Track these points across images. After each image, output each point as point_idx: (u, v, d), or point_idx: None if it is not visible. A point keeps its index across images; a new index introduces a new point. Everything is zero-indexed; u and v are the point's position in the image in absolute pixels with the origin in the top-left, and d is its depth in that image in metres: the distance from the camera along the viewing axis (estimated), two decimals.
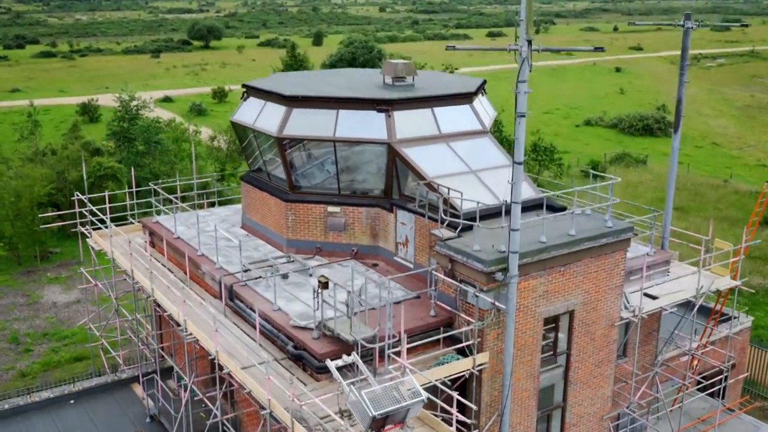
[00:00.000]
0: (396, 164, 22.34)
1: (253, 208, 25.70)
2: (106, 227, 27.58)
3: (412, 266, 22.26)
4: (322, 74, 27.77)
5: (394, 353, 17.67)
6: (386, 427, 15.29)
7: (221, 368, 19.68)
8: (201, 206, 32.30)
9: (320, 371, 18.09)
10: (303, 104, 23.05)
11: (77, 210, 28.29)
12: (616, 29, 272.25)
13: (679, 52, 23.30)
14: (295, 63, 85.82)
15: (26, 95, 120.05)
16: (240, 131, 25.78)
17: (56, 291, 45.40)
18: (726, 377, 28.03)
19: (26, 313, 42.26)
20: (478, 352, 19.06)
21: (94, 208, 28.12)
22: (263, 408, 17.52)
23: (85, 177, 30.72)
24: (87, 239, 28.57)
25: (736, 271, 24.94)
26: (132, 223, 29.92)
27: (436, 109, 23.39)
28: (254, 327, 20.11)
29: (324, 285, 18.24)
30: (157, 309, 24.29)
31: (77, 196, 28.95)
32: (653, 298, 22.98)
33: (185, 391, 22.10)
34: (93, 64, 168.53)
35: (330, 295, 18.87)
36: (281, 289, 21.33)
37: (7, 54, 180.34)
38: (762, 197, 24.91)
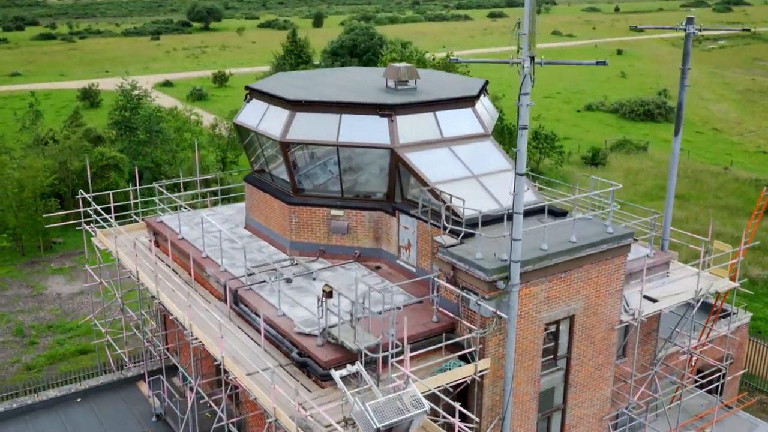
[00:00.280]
0: (399, 169, 22.53)
1: (257, 209, 25.92)
2: (110, 226, 27.80)
3: (414, 270, 22.52)
4: (324, 74, 27.85)
5: (398, 362, 17.95)
6: None
7: (227, 373, 19.99)
8: (204, 202, 32.41)
9: (325, 378, 18.38)
10: (306, 108, 23.19)
11: (81, 209, 28.46)
12: (617, 9, 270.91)
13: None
14: (296, 48, 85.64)
15: (26, 79, 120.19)
16: (243, 133, 25.93)
17: (60, 282, 45.73)
18: (724, 374, 28.36)
19: (31, 305, 42.60)
20: (479, 359, 19.35)
21: (98, 207, 28.34)
22: (269, 416, 17.83)
23: (89, 176, 30.68)
24: (92, 238, 28.82)
25: (735, 272, 25.18)
26: (136, 221, 30.15)
27: (439, 113, 23.54)
28: (259, 331, 20.42)
29: (328, 294, 18.49)
30: (162, 309, 24.56)
31: (81, 194, 29.14)
32: (653, 300, 23.25)
33: (191, 391, 22.43)
34: (93, 46, 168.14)
35: (334, 304, 19.11)
36: (285, 294, 21.59)
37: (7, 36, 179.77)
38: (761, 201, 25.07)
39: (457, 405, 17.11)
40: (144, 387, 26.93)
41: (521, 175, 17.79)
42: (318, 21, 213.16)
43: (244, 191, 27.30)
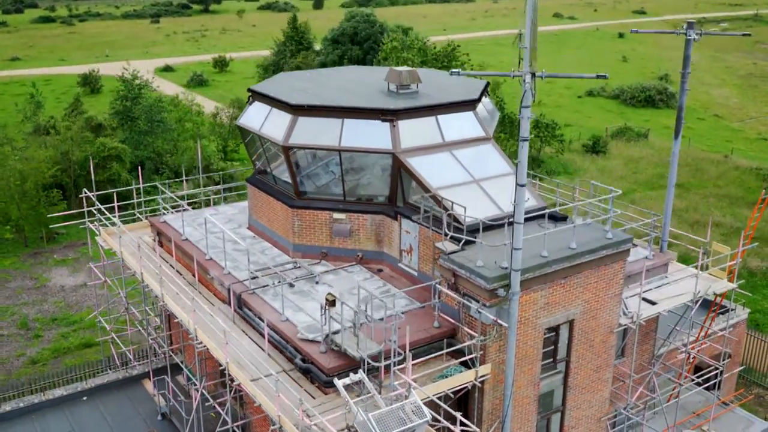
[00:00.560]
0: (400, 173, 22.72)
1: (260, 210, 26.14)
2: (113, 225, 28.02)
3: (416, 274, 22.78)
4: (325, 75, 27.93)
5: (399, 369, 18.25)
6: None
7: (231, 379, 20.31)
8: (207, 199, 32.58)
9: (328, 385, 18.68)
10: (309, 113, 23.35)
11: (85, 209, 28.68)
12: None
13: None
14: (297, 35, 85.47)
15: (26, 64, 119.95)
16: (246, 135, 26.09)
17: (63, 274, 46.03)
18: (721, 372, 28.67)
19: (34, 297, 42.93)
20: (480, 364, 19.65)
21: (102, 207, 28.55)
22: (273, 423, 18.16)
23: (93, 176, 30.87)
24: (96, 237, 29.05)
25: (733, 273, 25.43)
26: (139, 218, 30.34)
27: (440, 117, 23.70)
28: (263, 335, 20.73)
29: (331, 303, 18.76)
30: (167, 309, 24.82)
31: (85, 193, 29.35)
32: (652, 303, 23.52)
33: (196, 391, 22.76)
34: (92, 29, 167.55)
35: (337, 312, 19.38)
36: (288, 298, 21.87)
37: (6, 19, 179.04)
38: (759, 204, 25.27)
39: (459, 415, 17.41)
40: (149, 385, 27.30)
41: (522, 185, 17.99)
42: (318, 3, 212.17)
43: (246, 181, 27.44)
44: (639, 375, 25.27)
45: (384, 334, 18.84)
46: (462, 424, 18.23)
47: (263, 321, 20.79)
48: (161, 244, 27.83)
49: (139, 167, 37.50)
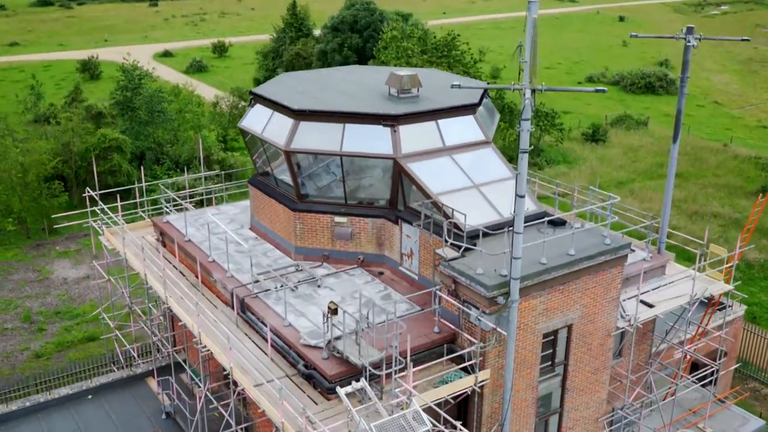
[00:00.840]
0: (401, 178, 22.95)
1: (262, 212, 26.39)
2: (115, 223, 28.26)
3: (416, 278, 23.08)
4: (327, 76, 28.04)
5: (401, 377, 18.58)
6: None
7: (235, 383, 20.66)
8: (209, 198, 32.79)
9: (331, 391, 19.02)
10: (310, 118, 23.53)
11: (88, 209, 28.91)
12: None
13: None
14: (296, 21, 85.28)
15: (25, 49, 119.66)
16: (247, 136, 26.27)
17: (66, 266, 46.33)
18: (717, 369, 29.03)
19: (37, 290, 43.25)
20: (480, 370, 19.99)
21: (105, 207, 28.80)
22: (277, 429, 18.52)
23: (95, 175, 31.09)
24: (99, 237, 29.32)
25: (730, 275, 25.71)
26: (142, 217, 30.58)
27: (441, 122, 23.90)
28: (266, 340, 21.06)
29: (333, 312, 19.06)
30: (170, 310, 25.12)
31: (88, 192, 29.57)
32: (649, 306, 23.82)
33: (199, 391, 23.12)
34: (91, 13, 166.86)
35: (339, 321, 19.68)
36: (291, 302, 22.17)
37: (5, 2, 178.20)
38: (757, 207, 25.50)
39: (458, 424, 17.76)
40: (153, 383, 27.66)
41: (521, 196, 18.22)
42: None
43: (247, 182, 27.65)
44: (636, 375, 25.61)
45: (385, 339, 19.13)
46: (461, 418, 18.59)
47: (266, 326, 21.11)
48: (164, 244, 28.10)
49: (140, 159, 37.62)
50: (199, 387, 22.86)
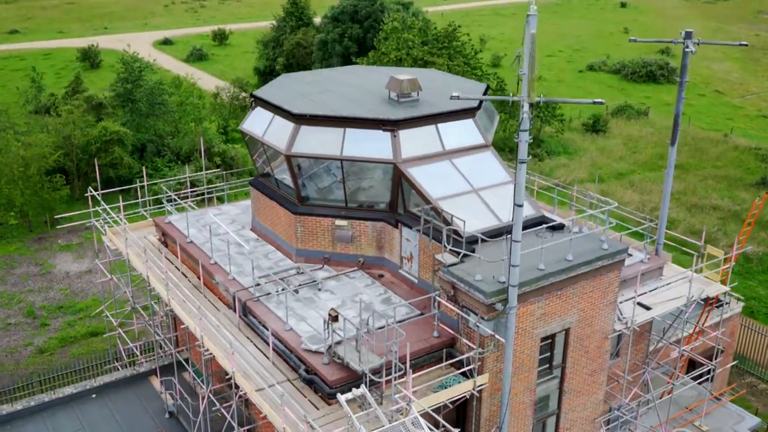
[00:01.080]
0: (401, 182, 23.16)
1: (263, 214, 26.61)
2: (118, 224, 28.49)
3: (416, 281, 23.34)
4: (327, 78, 28.14)
5: (400, 383, 18.87)
6: None
7: (237, 386, 20.97)
8: (210, 194, 33.00)
9: (332, 396, 19.31)
10: (311, 122, 23.70)
11: (91, 210, 29.13)
12: None
13: None
14: (297, 11, 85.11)
15: (25, 37, 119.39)
16: (249, 140, 26.45)
17: (68, 260, 46.61)
18: (714, 368, 29.34)
19: (40, 284, 43.57)
20: (478, 374, 20.28)
21: (107, 207, 29.02)
22: None
23: (98, 175, 31.26)
24: (102, 236, 29.56)
25: (727, 276, 25.95)
26: (145, 216, 30.79)
27: (440, 126, 24.06)
28: (267, 343, 21.35)
29: (334, 319, 19.33)
30: (173, 312, 25.39)
31: (90, 192, 29.77)
32: (646, 308, 24.07)
33: (202, 390, 23.45)
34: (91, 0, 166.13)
35: (340, 328, 19.96)
36: (292, 306, 22.44)
37: None
38: (753, 209, 25.69)
39: (457, 431, 18.07)
40: (156, 382, 27.99)
41: (519, 206, 18.43)
42: None
43: (249, 184, 27.84)
44: (633, 374, 25.92)
45: (385, 345, 19.39)
46: (459, 421, 18.91)
47: (267, 330, 21.39)
48: (166, 245, 28.35)
49: (141, 151, 37.52)
50: (202, 387, 23.18)
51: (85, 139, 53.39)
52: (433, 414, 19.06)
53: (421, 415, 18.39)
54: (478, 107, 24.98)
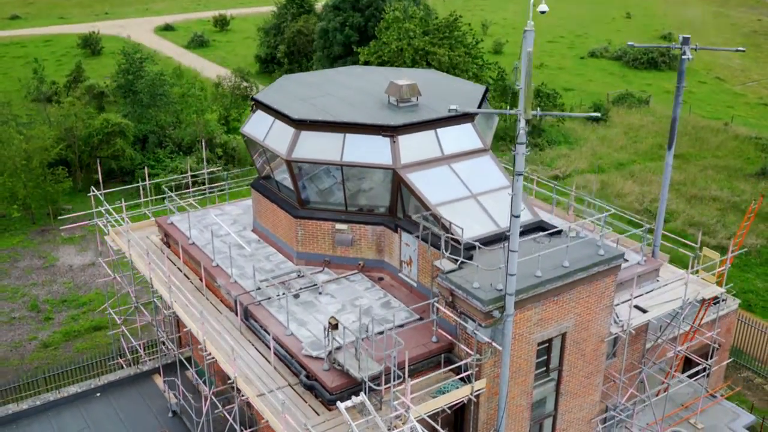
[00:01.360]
0: (400, 188, 23.42)
1: (264, 216, 26.89)
2: (121, 224, 28.79)
3: (415, 285, 23.67)
4: (328, 80, 28.25)
5: (399, 391, 19.24)
6: None
7: (239, 390, 21.37)
8: (212, 192, 33.24)
9: (332, 402, 19.69)
10: (311, 127, 23.93)
11: (94, 210, 29.43)
12: None
13: None
14: None
15: (26, 23, 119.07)
16: (249, 143, 26.69)
17: (71, 253, 46.98)
18: (709, 366, 29.68)
19: (44, 278, 43.95)
20: (476, 379, 20.64)
21: (110, 207, 29.31)
22: None
23: (100, 175, 31.51)
24: (105, 236, 29.88)
25: (722, 277, 26.22)
26: (147, 216, 31.08)
27: (439, 130, 24.29)
28: (269, 347, 21.72)
29: (334, 327, 19.67)
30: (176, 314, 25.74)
31: (93, 192, 30.06)
32: (643, 311, 24.38)
33: (205, 390, 23.84)
34: None
35: (340, 335, 20.29)
36: (293, 310, 22.78)
37: None
38: (750, 213, 25.93)
39: None
40: (159, 380, 28.43)
41: (516, 217, 18.70)
42: None
43: (250, 186, 28.11)
44: (630, 374, 26.27)
45: (385, 347, 19.73)
46: (457, 424, 19.32)
47: (269, 334, 21.75)
48: (168, 245, 28.66)
49: (143, 142, 37.60)
50: (205, 389, 23.57)
51: (87, 131, 53.62)
52: (430, 421, 19.40)
53: (419, 420, 18.83)
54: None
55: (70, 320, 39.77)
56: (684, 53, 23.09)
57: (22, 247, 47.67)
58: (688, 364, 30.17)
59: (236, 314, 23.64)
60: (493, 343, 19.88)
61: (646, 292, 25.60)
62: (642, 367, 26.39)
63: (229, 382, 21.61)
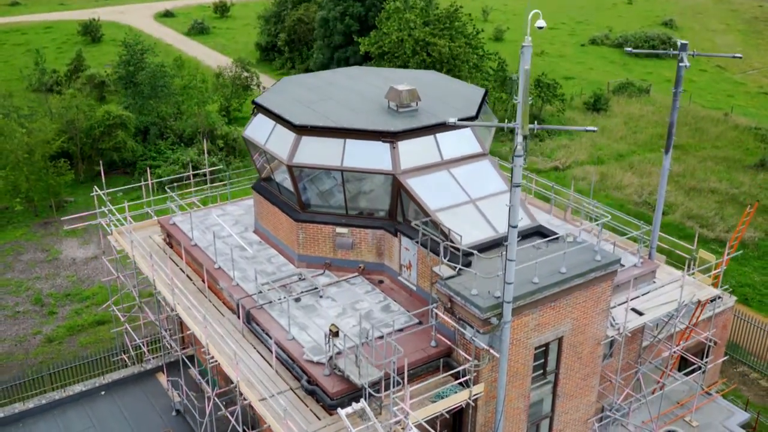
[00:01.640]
0: (400, 193, 23.72)
1: (265, 218, 27.21)
2: (123, 219, 29.10)
3: (414, 288, 24.04)
4: (328, 82, 28.44)
5: (398, 397, 19.65)
6: None
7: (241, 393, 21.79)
8: (214, 191, 33.53)
9: (333, 407, 20.10)
10: (312, 133, 24.20)
11: (97, 210, 29.74)
12: None
13: None
14: None
15: (26, 9, 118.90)
16: (251, 146, 26.94)
17: (74, 246, 47.32)
18: (706, 363, 30.08)
19: (47, 271, 44.33)
20: (474, 384, 21.05)
21: (113, 207, 29.63)
22: None
23: (102, 176, 31.78)
24: (108, 236, 30.22)
25: (718, 279, 26.57)
26: (150, 215, 31.40)
27: (439, 136, 24.55)
28: (270, 351, 22.12)
29: (335, 334, 20.05)
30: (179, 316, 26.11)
31: (96, 191, 30.36)
32: (639, 313, 24.75)
33: (208, 390, 24.27)
34: None
35: (340, 342, 20.67)
36: (294, 314, 23.16)
37: None
38: (745, 216, 26.23)
39: None
40: (163, 379, 28.85)
41: (514, 227, 19.00)
42: None
43: (252, 188, 28.40)
44: (626, 374, 26.68)
45: (385, 352, 20.12)
46: (455, 427, 19.73)
47: (271, 338, 22.14)
48: (171, 245, 29.00)
49: (144, 134, 37.70)
50: (208, 391, 23.97)
51: (88, 123, 53.84)
52: (427, 426, 19.80)
53: (418, 425, 19.26)
54: (476, 116, 25.41)
55: (74, 314, 40.18)
56: (681, 60, 23.25)
57: (25, 240, 48.01)
58: (684, 361, 30.59)
59: (238, 317, 24.02)
60: (491, 350, 20.25)
61: (643, 294, 25.96)
62: (638, 366, 26.81)
63: (232, 385, 22.02)
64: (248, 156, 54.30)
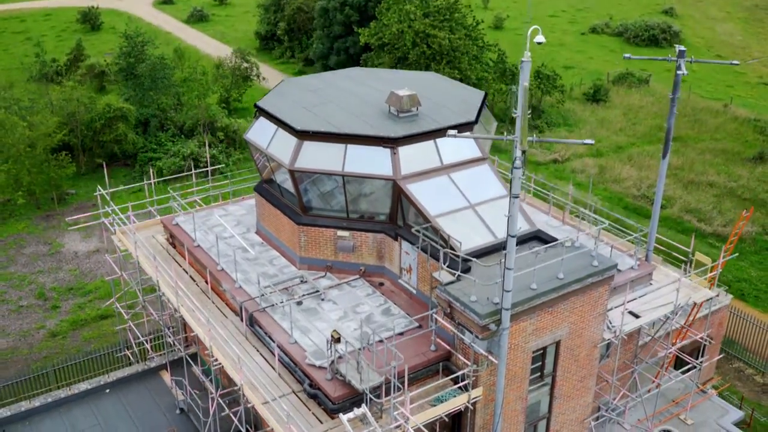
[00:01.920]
0: (401, 198, 24.03)
1: (267, 220, 27.53)
2: (126, 219, 29.42)
3: (414, 291, 24.42)
4: (329, 84, 28.65)
5: (399, 402, 20.07)
6: None
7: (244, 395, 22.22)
8: (215, 190, 33.84)
9: (335, 411, 20.52)
10: (313, 138, 24.47)
11: (101, 211, 30.05)
12: None
13: None
14: None
15: None
16: (253, 148, 27.21)
17: (76, 239, 47.63)
18: (702, 352, 30.47)
19: (50, 265, 44.68)
20: (473, 388, 21.48)
21: (116, 207, 29.95)
22: None
23: (106, 176, 32.04)
24: (111, 236, 30.55)
25: (713, 281, 26.93)
26: (153, 214, 31.73)
27: (439, 141, 24.82)
28: (273, 354, 22.53)
29: (336, 341, 20.45)
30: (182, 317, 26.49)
31: (99, 191, 30.67)
32: (636, 316, 25.14)
33: (211, 384, 24.69)
34: None
35: (341, 348, 21.07)
36: (296, 315, 23.55)
37: None
38: (741, 220, 26.55)
39: None
40: (167, 376, 29.29)
41: (512, 236, 19.34)
42: None
43: (254, 189, 28.71)
44: (622, 374, 27.12)
45: (385, 360, 20.52)
46: (454, 428, 20.17)
47: (273, 341, 22.53)
48: (174, 246, 29.34)
49: (145, 126, 37.77)
50: (212, 391, 24.40)
51: (89, 116, 54.02)
52: (424, 430, 20.24)
53: (417, 429, 19.70)
54: (476, 120, 25.68)
55: (77, 309, 40.55)
56: (679, 68, 23.47)
57: (27, 233, 48.33)
58: (679, 358, 31.01)
59: (242, 320, 24.40)
60: (490, 356, 20.65)
61: (639, 296, 26.32)
62: (634, 366, 27.24)
63: (235, 388, 22.44)
64: (248, 149, 54.57)
